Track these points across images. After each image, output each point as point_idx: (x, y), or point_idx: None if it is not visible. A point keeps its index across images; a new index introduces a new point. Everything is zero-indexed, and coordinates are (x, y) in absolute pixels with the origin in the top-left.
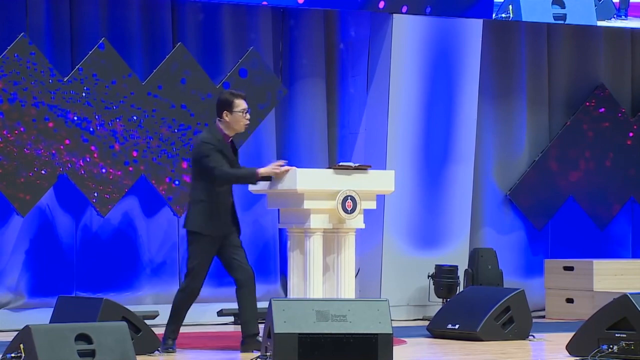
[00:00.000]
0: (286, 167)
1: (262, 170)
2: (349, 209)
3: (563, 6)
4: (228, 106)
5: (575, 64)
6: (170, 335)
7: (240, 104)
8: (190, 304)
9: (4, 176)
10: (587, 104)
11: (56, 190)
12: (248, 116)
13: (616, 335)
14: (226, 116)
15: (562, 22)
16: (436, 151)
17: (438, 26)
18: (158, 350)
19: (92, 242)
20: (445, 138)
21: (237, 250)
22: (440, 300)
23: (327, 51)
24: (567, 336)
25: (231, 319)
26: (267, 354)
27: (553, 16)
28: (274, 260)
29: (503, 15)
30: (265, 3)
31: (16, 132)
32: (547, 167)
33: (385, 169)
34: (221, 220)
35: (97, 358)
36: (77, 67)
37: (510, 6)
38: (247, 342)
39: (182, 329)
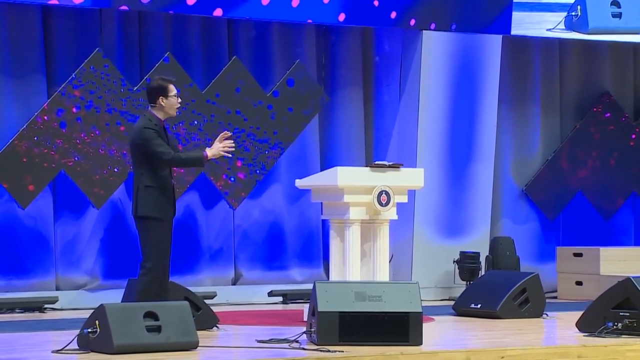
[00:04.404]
0: (229, 142)
1: (209, 153)
2: (384, 203)
3: (619, 6)
4: (163, 92)
5: (584, 75)
6: None
7: (173, 89)
8: (164, 296)
9: (82, 173)
10: (595, 109)
11: (127, 186)
12: (180, 100)
13: (620, 314)
14: (162, 101)
15: (618, 18)
16: (460, 151)
17: (462, 41)
18: (216, 326)
19: None
20: (469, 140)
21: None
22: (464, 282)
23: (364, 63)
24: (577, 315)
25: (280, 298)
26: (312, 329)
27: (611, 14)
28: (317, 247)
29: (573, 13)
30: (309, 21)
31: (92, 135)
32: (558, 165)
33: (415, 167)
34: (169, 202)
35: (162, 333)
36: (145, 77)
37: (579, 6)
38: None
39: (236, 308)
